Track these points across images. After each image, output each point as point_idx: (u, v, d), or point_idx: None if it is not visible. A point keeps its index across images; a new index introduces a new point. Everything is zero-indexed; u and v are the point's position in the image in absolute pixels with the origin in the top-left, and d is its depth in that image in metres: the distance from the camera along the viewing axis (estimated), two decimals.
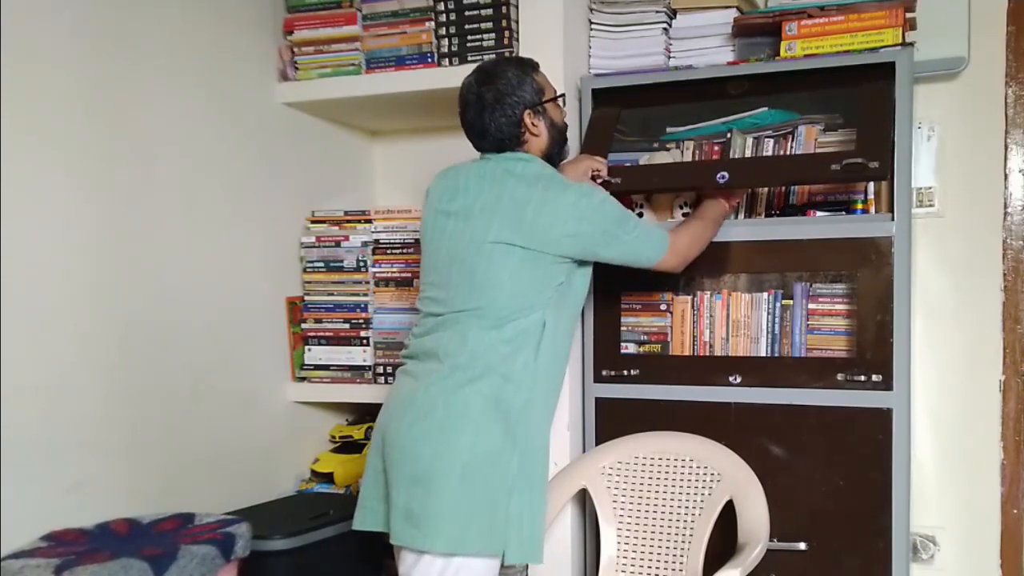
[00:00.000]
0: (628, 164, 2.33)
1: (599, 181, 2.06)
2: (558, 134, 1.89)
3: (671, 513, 2.03)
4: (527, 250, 1.74)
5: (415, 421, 1.72)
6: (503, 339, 1.75)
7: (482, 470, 1.68)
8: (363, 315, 2.51)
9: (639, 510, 2.06)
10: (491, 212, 1.77)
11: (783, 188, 2.17)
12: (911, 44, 2.02)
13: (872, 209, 2.09)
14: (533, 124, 1.83)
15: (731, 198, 2.09)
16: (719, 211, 2.06)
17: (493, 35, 2.23)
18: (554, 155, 1.90)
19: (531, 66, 1.87)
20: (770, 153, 2.18)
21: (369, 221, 2.53)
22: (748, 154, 2.21)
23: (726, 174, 2.03)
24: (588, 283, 1.92)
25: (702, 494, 2.00)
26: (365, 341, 2.51)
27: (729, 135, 2.20)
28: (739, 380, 2.12)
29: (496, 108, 1.80)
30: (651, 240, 1.87)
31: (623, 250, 1.84)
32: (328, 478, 2.53)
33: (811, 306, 2.16)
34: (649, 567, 2.02)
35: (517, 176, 1.79)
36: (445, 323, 1.79)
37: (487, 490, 1.69)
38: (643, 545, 2.04)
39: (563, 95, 1.92)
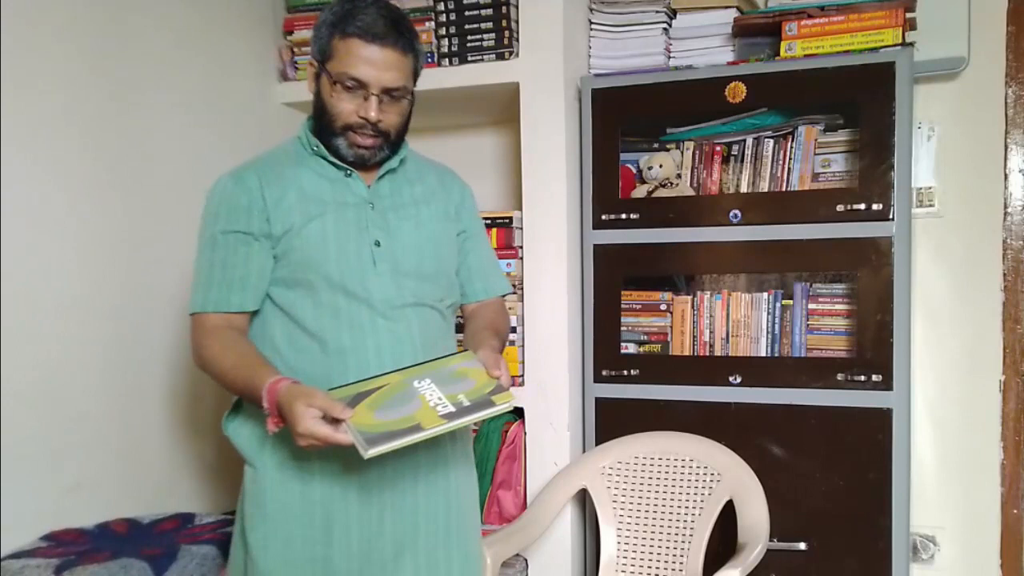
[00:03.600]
0: (629, 165, 2.34)
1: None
2: (319, 106, 1.47)
3: (671, 513, 2.03)
4: None
5: None
6: None
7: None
8: None
9: (639, 510, 2.06)
10: None
11: (785, 178, 2.18)
12: (911, 44, 2.03)
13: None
14: (311, 78, 1.49)
15: (274, 417, 1.36)
16: (251, 383, 1.41)
17: (493, 35, 2.23)
18: (316, 125, 1.50)
19: (343, 23, 1.39)
20: (770, 154, 2.18)
21: None
22: (748, 155, 2.21)
23: (739, 212, 2.07)
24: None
25: (702, 494, 2.00)
26: None
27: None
28: (739, 380, 2.12)
29: None
30: (193, 291, 1.49)
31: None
32: None
33: (811, 306, 2.16)
34: (649, 567, 2.02)
35: None
36: None
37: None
38: (643, 545, 2.04)
39: (352, 83, 1.40)
